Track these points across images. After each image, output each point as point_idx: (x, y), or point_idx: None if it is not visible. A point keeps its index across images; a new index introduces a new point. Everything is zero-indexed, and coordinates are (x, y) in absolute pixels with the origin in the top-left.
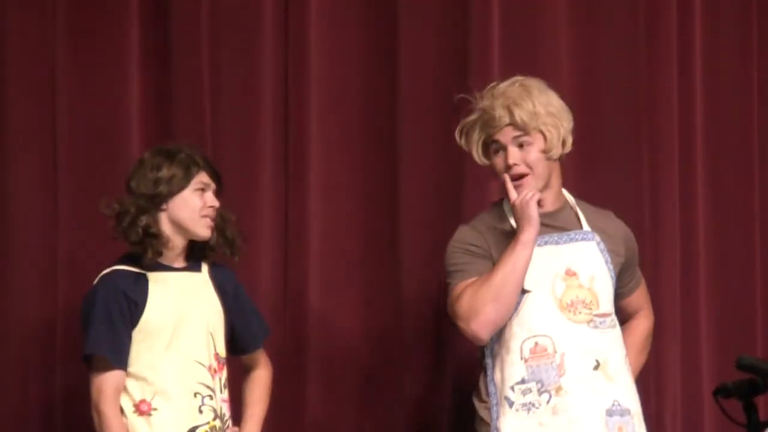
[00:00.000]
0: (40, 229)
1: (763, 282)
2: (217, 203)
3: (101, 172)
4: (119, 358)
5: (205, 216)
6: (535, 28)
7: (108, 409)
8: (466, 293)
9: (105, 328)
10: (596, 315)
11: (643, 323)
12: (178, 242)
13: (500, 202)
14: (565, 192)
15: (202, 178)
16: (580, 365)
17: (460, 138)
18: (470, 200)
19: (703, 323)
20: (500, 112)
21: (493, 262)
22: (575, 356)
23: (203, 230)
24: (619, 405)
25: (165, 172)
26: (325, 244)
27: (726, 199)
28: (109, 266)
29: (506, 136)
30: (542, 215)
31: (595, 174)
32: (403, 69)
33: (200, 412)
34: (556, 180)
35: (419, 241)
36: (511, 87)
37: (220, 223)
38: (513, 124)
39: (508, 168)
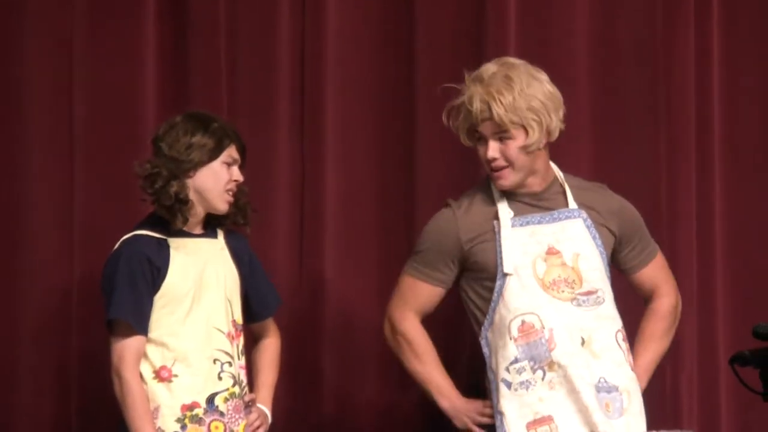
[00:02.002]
0: (56, 198)
1: None
2: (242, 178)
3: (117, 143)
4: (141, 324)
5: (228, 190)
6: (550, 10)
7: (129, 374)
8: (399, 306)
9: (128, 292)
10: (579, 293)
11: (664, 303)
12: (199, 210)
13: (488, 180)
14: (554, 168)
15: (232, 152)
16: (568, 340)
17: (447, 120)
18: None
19: (719, 292)
20: (479, 106)
21: (451, 261)
22: (563, 331)
23: (223, 204)
24: (605, 382)
25: (198, 139)
26: (341, 212)
27: (743, 171)
28: (129, 232)
29: (486, 129)
30: (528, 195)
31: (611, 150)
32: (419, 31)
33: (219, 378)
34: (542, 163)
35: (436, 210)
36: (493, 77)
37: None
38: (491, 119)
39: (488, 161)
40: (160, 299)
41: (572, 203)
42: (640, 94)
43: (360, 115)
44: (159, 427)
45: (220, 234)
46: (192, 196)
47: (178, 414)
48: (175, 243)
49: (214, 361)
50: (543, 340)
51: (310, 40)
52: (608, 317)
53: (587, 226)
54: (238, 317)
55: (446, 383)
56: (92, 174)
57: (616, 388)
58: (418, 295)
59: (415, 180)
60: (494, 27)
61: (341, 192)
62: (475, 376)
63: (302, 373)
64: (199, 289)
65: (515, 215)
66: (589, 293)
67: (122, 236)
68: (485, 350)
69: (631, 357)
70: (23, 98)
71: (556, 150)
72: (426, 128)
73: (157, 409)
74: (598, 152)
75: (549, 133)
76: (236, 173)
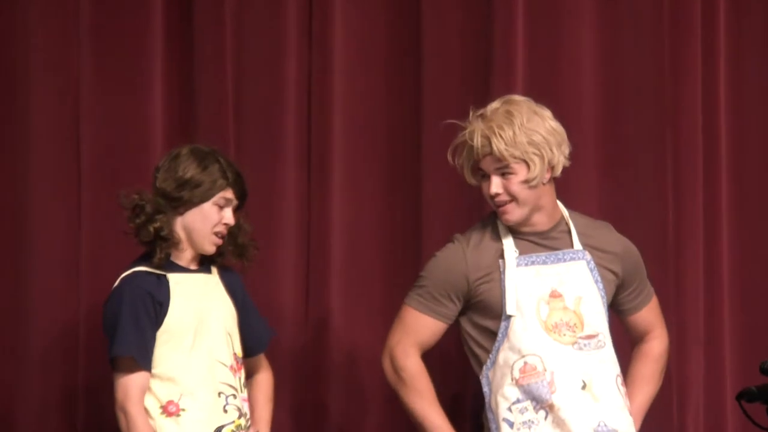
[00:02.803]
0: (63, 229)
1: None
2: (232, 222)
3: (124, 172)
4: (146, 360)
5: (216, 233)
6: (559, 29)
7: (134, 409)
8: (402, 340)
9: (132, 329)
10: (581, 337)
11: (656, 346)
12: (187, 247)
13: (494, 216)
14: (561, 206)
15: (226, 194)
16: (569, 384)
17: (452, 158)
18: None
19: (726, 327)
20: (480, 141)
21: (455, 296)
22: (564, 375)
23: (210, 246)
24: (605, 426)
25: (192, 177)
26: (348, 248)
27: (751, 203)
28: (128, 267)
29: (488, 165)
30: (533, 234)
31: (617, 176)
32: (426, 66)
33: (225, 411)
34: (547, 200)
35: (442, 244)
36: (495, 112)
37: (233, 230)
38: (492, 154)
39: (491, 196)
40: (162, 335)
41: (577, 244)
42: (647, 130)
43: (367, 151)
44: None
45: (214, 270)
46: (180, 233)
47: None
48: (174, 278)
49: (219, 394)
50: (544, 383)
51: (318, 74)
52: (609, 361)
53: (590, 269)
54: (239, 350)
55: (444, 422)
56: (99, 205)
57: None
58: (421, 328)
59: (422, 216)
60: (502, 62)
61: (347, 228)
62: (478, 415)
63: (306, 410)
64: (201, 324)
65: (521, 254)
66: (590, 337)
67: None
68: (485, 389)
69: (628, 401)
70: (30, 129)
71: (563, 185)
72: (433, 163)
73: None
74: (604, 187)
75: (552, 167)
76: (227, 216)
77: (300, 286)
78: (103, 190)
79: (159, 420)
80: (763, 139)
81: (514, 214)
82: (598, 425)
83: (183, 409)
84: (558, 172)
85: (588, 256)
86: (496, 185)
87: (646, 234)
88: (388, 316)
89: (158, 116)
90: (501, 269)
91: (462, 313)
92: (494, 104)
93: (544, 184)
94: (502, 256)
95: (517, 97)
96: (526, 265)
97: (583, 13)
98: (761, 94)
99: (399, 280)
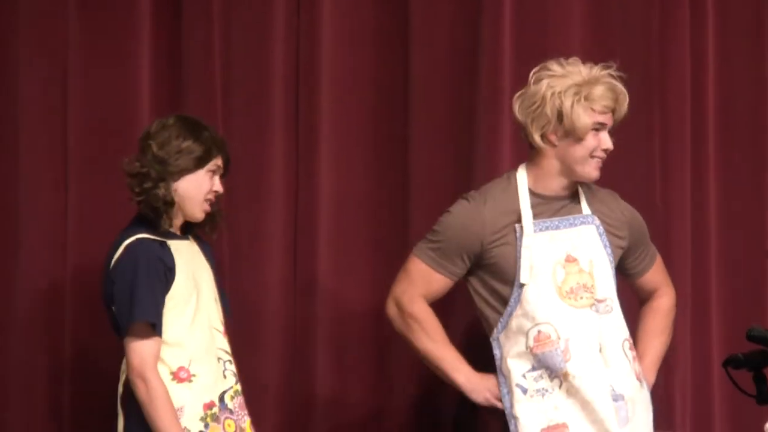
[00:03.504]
0: (51, 200)
1: None
2: (222, 189)
3: (111, 146)
4: (161, 326)
5: (208, 200)
6: (546, 20)
7: (153, 375)
8: (408, 290)
9: (150, 294)
10: (596, 299)
11: (664, 302)
12: (179, 214)
13: (513, 177)
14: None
15: (218, 161)
16: (585, 349)
17: (546, 88)
18: (481, 171)
19: (713, 294)
20: (622, 98)
21: (467, 256)
22: (579, 341)
23: (200, 213)
24: (613, 390)
25: (189, 145)
26: (335, 217)
27: (738, 168)
28: (125, 234)
29: (610, 120)
30: (550, 198)
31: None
32: (414, 53)
33: (224, 376)
34: None
35: (429, 220)
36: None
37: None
38: (618, 113)
39: (604, 150)
40: (169, 301)
41: (586, 209)
42: (635, 100)
43: (355, 120)
44: (185, 428)
45: (191, 238)
46: (176, 198)
47: (201, 413)
48: (173, 245)
49: (218, 359)
50: (558, 351)
51: (305, 45)
52: (617, 326)
53: (600, 234)
54: (222, 317)
55: (460, 359)
56: (85, 179)
57: (622, 397)
58: (429, 283)
59: (410, 184)
60: (489, 37)
61: (335, 196)
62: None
63: (296, 373)
64: (198, 290)
65: (535, 217)
66: (602, 300)
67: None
68: (496, 352)
69: (636, 365)
70: (18, 102)
71: None
72: (420, 134)
73: (181, 409)
74: None
75: None
76: (218, 184)
77: (288, 255)
78: (89, 163)
79: (171, 387)
80: (751, 107)
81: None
82: (607, 390)
83: (194, 375)
84: None
85: (597, 221)
86: (610, 141)
87: (634, 201)
88: (375, 284)
89: (145, 91)
90: (517, 235)
91: (471, 272)
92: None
93: None
94: (518, 219)
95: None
96: (541, 230)
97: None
98: (749, 63)
99: (386, 248)
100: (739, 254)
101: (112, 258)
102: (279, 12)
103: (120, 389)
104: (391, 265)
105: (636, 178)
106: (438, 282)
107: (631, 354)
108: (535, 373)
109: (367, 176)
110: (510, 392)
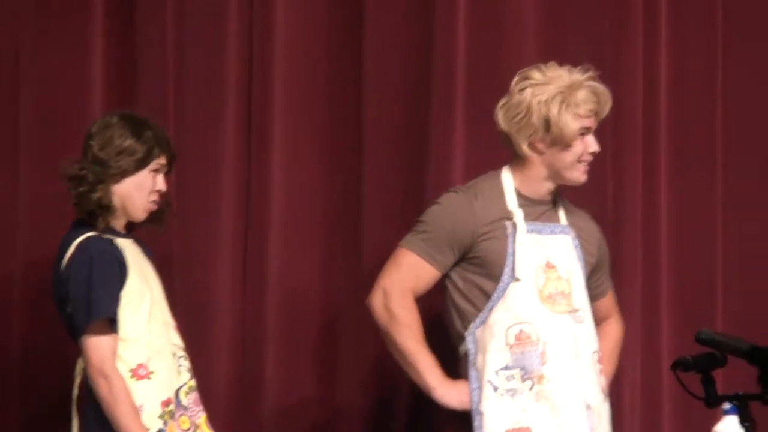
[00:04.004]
0: (1, 193)
1: (723, 257)
2: (165, 188)
3: (62, 137)
4: (117, 323)
5: (152, 201)
6: (500, 31)
7: (114, 372)
8: (398, 283)
9: (106, 291)
10: (573, 308)
11: (615, 329)
12: (121, 215)
13: (499, 176)
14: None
15: (161, 160)
16: (563, 354)
17: (531, 97)
18: (434, 165)
19: (663, 297)
20: (607, 98)
21: (456, 248)
22: (557, 345)
23: (143, 214)
24: (584, 399)
25: (130, 145)
26: (287, 211)
27: (689, 174)
28: (72, 234)
29: (594, 123)
30: (534, 202)
31: None
32: (367, 51)
33: (179, 372)
34: None
35: (380, 218)
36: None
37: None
38: (601, 115)
39: (591, 153)
40: (124, 297)
41: (563, 219)
42: None
43: (307, 118)
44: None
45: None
46: (115, 201)
47: (159, 410)
48: (120, 243)
49: (173, 355)
50: (537, 353)
51: (259, 38)
52: (589, 337)
53: (575, 246)
54: None
55: (435, 363)
56: (37, 175)
57: (590, 407)
58: (419, 274)
59: (362, 183)
60: (442, 42)
61: (286, 193)
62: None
63: (247, 368)
64: (149, 286)
65: (532, 220)
66: (576, 310)
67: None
68: (470, 346)
69: (602, 378)
70: None
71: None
72: (373, 134)
73: (140, 407)
74: None
75: None
76: (161, 182)
77: (238, 251)
78: (41, 155)
79: (130, 384)
80: (703, 112)
81: None
82: (580, 398)
83: (152, 372)
84: None
85: (573, 233)
86: (597, 144)
87: (586, 205)
88: (325, 281)
89: (98, 81)
90: (508, 231)
91: (454, 265)
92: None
93: None
94: (508, 217)
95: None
96: (528, 231)
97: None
98: (702, 72)
99: (337, 246)
100: (689, 257)
101: (63, 258)
102: (233, 6)
103: (75, 391)
104: (342, 263)
105: (588, 184)
106: (427, 274)
107: (599, 366)
108: (509, 372)
109: (318, 174)
110: (480, 388)
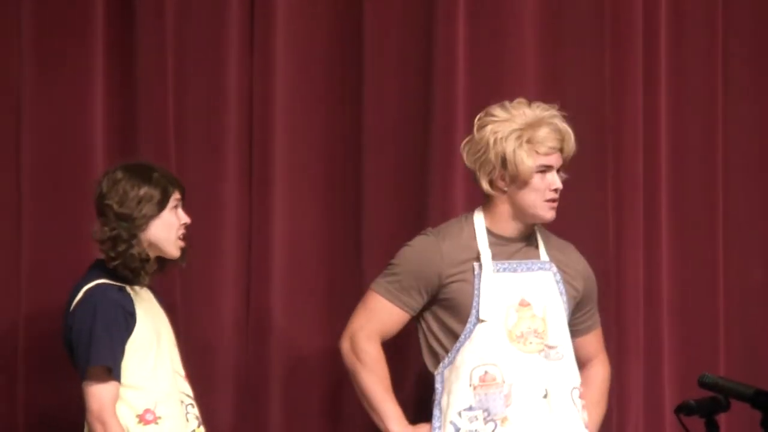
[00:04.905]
0: (4, 238)
1: (726, 302)
2: (188, 219)
3: (65, 181)
4: (119, 370)
5: (180, 236)
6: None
7: (113, 419)
8: (365, 326)
9: (108, 339)
10: (547, 345)
11: (602, 372)
12: (154, 261)
13: (471, 217)
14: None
15: (176, 195)
16: (528, 395)
17: (489, 134)
18: (434, 215)
19: (665, 340)
20: (567, 136)
21: (424, 290)
22: (523, 386)
23: (177, 251)
24: None
25: (146, 193)
26: (289, 258)
27: (690, 215)
28: (86, 279)
29: (557, 160)
30: (507, 240)
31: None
32: (367, 94)
33: (187, 420)
34: None
35: (382, 263)
36: (556, 112)
37: None
38: (565, 152)
39: (553, 190)
40: (131, 344)
41: (544, 255)
42: (588, 145)
43: (308, 160)
44: None
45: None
46: (148, 250)
47: None
48: (132, 291)
49: (181, 402)
50: (501, 395)
51: (259, 86)
52: (567, 373)
53: (557, 281)
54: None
55: (398, 408)
56: (40, 223)
57: None
58: (386, 317)
59: (362, 227)
60: (442, 80)
61: (289, 237)
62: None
63: (249, 416)
64: (158, 334)
65: (492, 258)
66: (553, 347)
67: (72, 283)
68: (438, 386)
69: (585, 414)
70: None
71: None
72: (374, 172)
73: None
74: None
75: None
76: (183, 216)
77: (241, 297)
78: (43, 198)
79: (136, 430)
80: (703, 153)
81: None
82: None
83: (159, 417)
84: None
85: (554, 268)
86: (559, 181)
87: (587, 245)
88: (328, 326)
89: (98, 126)
90: (475, 272)
91: (426, 306)
92: (544, 105)
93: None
94: (477, 258)
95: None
96: (497, 271)
97: (525, 30)
98: (701, 107)
99: (340, 290)
100: (691, 301)
101: (71, 304)
102: (233, 47)
103: None
104: (345, 308)
105: (589, 226)
106: (395, 316)
107: (580, 403)
108: (471, 414)
109: (320, 218)
110: (441, 428)
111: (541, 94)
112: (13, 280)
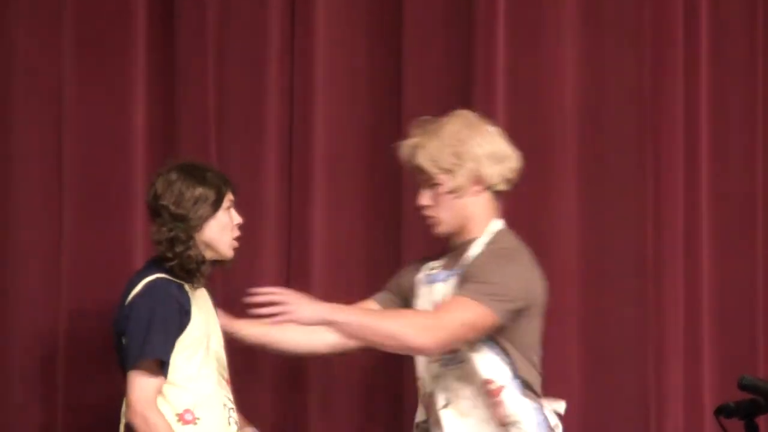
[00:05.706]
0: (45, 238)
1: (765, 304)
2: (241, 220)
3: (105, 181)
4: (168, 366)
5: (235, 236)
6: (539, 39)
7: (156, 413)
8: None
9: (163, 333)
10: (444, 354)
11: (421, 314)
12: (210, 262)
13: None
14: (496, 226)
15: (230, 195)
16: (435, 405)
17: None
18: None
19: (705, 342)
20: (407, 152)
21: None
22: (433, 394)
23: (231, 251)
24: None
25: (202, 193)
26: (328, 261)
27: (731, 216)
28: (143, 272)
29: (416, 176)
30: (453, 247)
31: (598, 188)
32: (407, 87)
33: (229, 423)
34: (476, 213)
35: (421, 253)
36: (427, 123)
37: None
38: (417, 166)
39: (417, 208)
40: (181, 342)
41: (461, 263)
42: (627, 141)
43: (348, 163)
44: None
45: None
46: (204, 251)
47: None
48: (189, 289)
49: (224, 405)
50: (425, 404)
51: (299, 85)
52: (473, 374)
53: (456, 285)
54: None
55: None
56: (81, 223)
57: None
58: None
59: (402, 225)
60: (482, 76)
61: (328, 237)
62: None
63: (287, 419)
64: (209, 336)
65: (437, 269)
66: (452, 352)
67: (112, 279)
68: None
69: (503, 408)
70: (11, 139)
71: (542, 197)
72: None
73: None
74: (584, 199)
75: (480, 180)
76: (236, 216)
77: None
78: (84, 198)
79: (175, 428)
80: (745, 149)
81: (441, 225)
82: None
83: (198, 418)
84: (492, 186)
85: (462, 270)
86: (423, 196)
87: (626, 246)
88: None
89: (139, 131)
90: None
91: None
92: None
93: (471, 196)
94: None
95: (462, 111)
96: (429, 283)
97: (565, 24)
98: (742, 102)
99: (379, 288)
100: (732, 302)
101: (129, 294)
102: (273, 47)
103: (121, 430)
104: None
105: (629, 224)
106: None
107: (494, 399)
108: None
109: (360, 217)
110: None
111: (580, 88)
112: (53, 282)
